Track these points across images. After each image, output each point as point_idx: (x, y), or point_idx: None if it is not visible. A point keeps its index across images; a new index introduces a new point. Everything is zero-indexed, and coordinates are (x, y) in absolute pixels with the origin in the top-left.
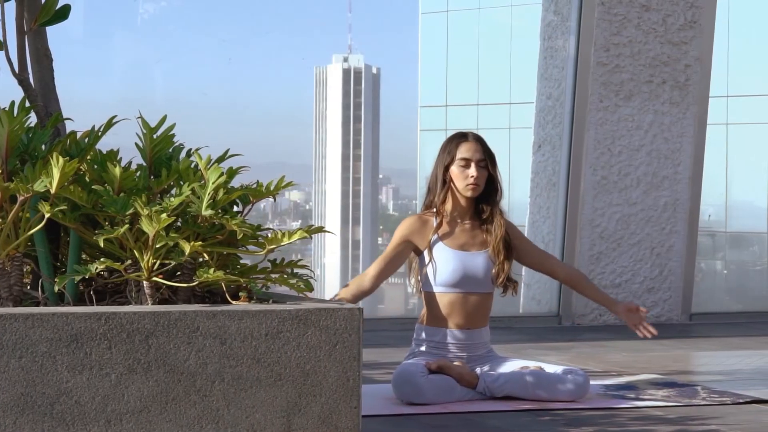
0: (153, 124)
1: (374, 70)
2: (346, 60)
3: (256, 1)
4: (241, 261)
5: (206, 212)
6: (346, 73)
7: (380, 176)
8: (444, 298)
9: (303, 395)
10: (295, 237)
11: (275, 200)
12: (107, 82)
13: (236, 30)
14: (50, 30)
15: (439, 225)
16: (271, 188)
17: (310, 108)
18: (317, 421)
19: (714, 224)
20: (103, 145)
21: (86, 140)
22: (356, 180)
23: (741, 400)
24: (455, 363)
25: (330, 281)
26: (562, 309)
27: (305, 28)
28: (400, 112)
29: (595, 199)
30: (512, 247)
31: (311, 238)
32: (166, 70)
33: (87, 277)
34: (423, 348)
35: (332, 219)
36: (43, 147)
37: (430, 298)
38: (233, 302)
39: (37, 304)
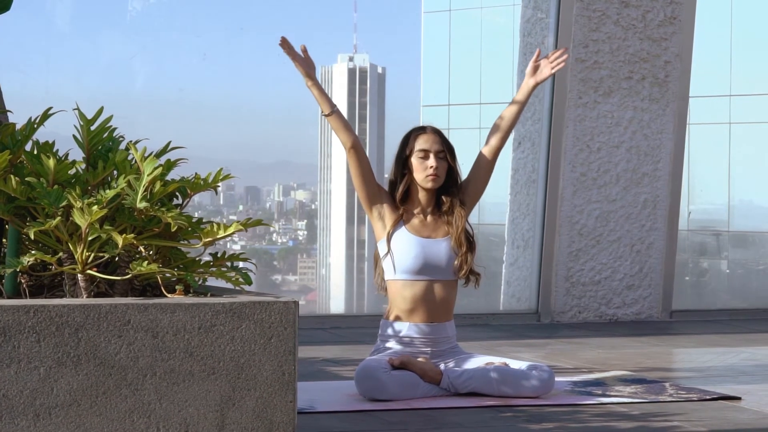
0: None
1: (379, 70)
2: (351, 59)
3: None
4: (188, 255)
5: (140, 204)
6: (351, 72)
7: (385, 176)
8: (407, 287)
9: (237, 389)
10: (231, 230)
11: (216, 193)
12: (102, 79)
13: (238, 29)
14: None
15: (401, 216)
16: (210, 181)
17: (315, 107)
18: (252, 416)
19: (717, 224)
20: (62, 138)
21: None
22: None
23: (707, 397)
24: (419, 359)
25: (335, 280)
26: (541, 306)
27: (310, 27)
28: (404, 111)
29: (575, 196)
30: (474, 240)
31: (247, 231)
32: (165, 69)
33: (19, 270)
34: (387, 344)
35: (337, 218)
36: None
37: (393, 289)
38: (168, 295)
39: None
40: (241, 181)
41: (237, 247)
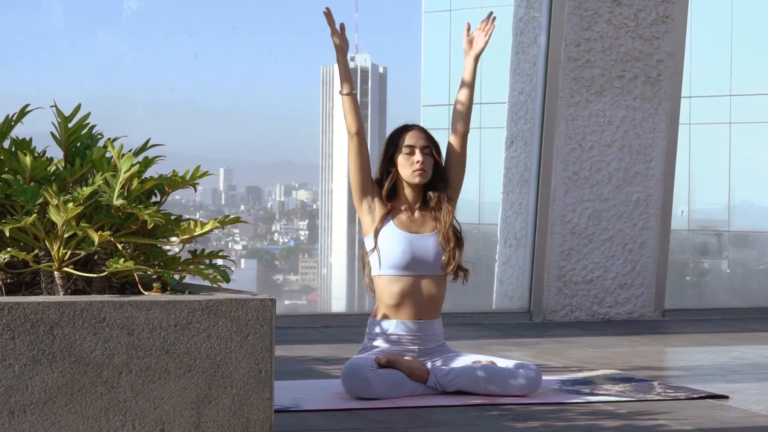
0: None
1: (381, 70)
2: (352, 59)
3: (260, 0)
4: (169, 253)
5: (117, 202)
6: (352, 72)
7: None
8: (394, 282)
9: (213, 387)
10: (208, 227)
11: (195, 190)
12: (98, 79)
13: (240, 28)
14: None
15: (388, 211)
16: (187, 178)
17: (317, 107)
18: (228, 413)
19: (718, 224)
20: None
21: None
22: None
23: (695, 396)
24: (406, 357)
25: (336, 280)
26: (533, 305)
27: (312, 27)
28: (405, 111)
29: (566, 195)
30: (462, 236)
31: (224, 228)
32: (164, 69)
33: None
34: (375, 342)
35: (339, 218)
36: None
37: (380, 284)
38: (145, 293)
39: None
40: (242, 181)
41: (238, 247)
